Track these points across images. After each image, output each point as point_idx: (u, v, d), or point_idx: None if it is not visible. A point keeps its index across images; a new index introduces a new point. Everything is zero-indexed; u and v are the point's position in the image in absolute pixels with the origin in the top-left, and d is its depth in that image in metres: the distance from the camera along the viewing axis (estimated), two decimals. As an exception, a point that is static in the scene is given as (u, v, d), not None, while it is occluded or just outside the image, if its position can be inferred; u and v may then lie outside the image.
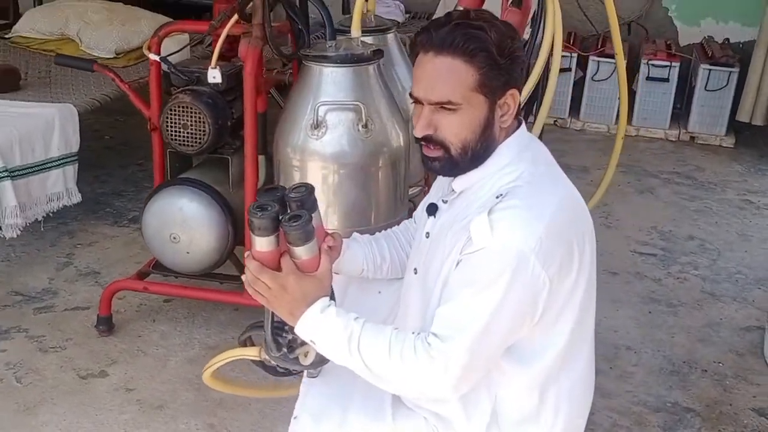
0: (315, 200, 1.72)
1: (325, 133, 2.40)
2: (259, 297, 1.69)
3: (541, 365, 1.72)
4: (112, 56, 4.29)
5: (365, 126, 2.40)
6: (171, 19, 4.48)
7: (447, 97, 1.63)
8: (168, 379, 2.72)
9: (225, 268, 2.95)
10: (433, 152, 1.70)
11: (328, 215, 2.49)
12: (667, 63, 5.37)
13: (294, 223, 1.58)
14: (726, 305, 3.39)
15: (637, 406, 2.70)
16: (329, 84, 2.41)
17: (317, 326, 1.65)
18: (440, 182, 1.92)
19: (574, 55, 5.46)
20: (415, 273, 1.86)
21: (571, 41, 5.49)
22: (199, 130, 2.66)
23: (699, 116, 5.43)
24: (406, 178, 2.60)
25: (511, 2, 2.63)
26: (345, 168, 2.44)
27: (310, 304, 1.64)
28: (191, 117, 2.65)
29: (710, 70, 5.31)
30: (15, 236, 3.09)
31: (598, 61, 5.40)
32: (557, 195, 1.68)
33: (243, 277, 1.71)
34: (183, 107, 2.65)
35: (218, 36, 2.66)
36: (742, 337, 3.16)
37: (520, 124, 1.76)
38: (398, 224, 2.14)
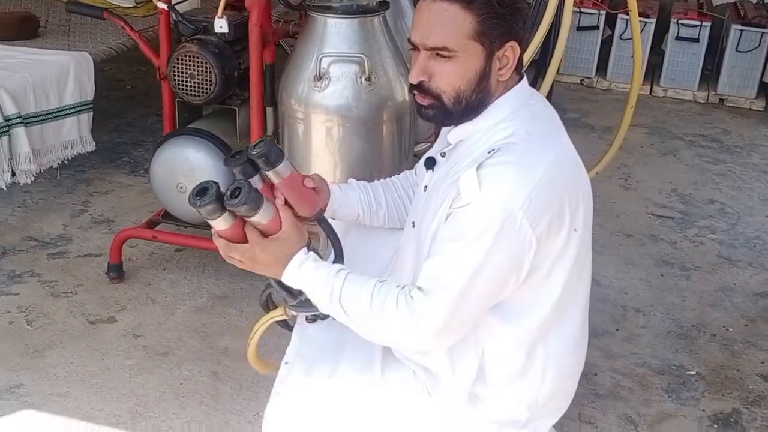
0: (279, 150, 1.69)
1: (327, 85, 2.38)
2: (240, 267, 1.71)
3: (529, 323, 1.71)
4: (132, 5, 4.28)
5: (368, 79, 2.38)
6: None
7: (443, 42, 1.61)
8: (174, 327, 2.76)
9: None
10: (425, 100, 1.69)
11: (333, 167, 2.49)
12: (698, 22, 5.24)
13: (235, 199, 1.56)
14: (741, 270, 3.34)
15: (641, 368, 2.68)
16: (333, 35, 2.39)
17: (298, 282, 1.67)
18: (441, 136, 1.91)
19: (603, 12, 5.36)
20: (413, 226, 1.85)
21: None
22: (206, 80, 2.66)
23: (729, 78, 5.31)
24: (411, 133, 2.58)
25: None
26: (348, 121, 2.43)
27: (286, 264, 1.66)
28: (198, 67, 2.65)
29: (742, 30, 5.18)
30: (29, 182, 3.14)
31: (627, 20, 5.27)
32: (552, 154, 1.65)
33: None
34: (190, 56, 2.65)
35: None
36: (755, 302, 3.11)
37: (521, 78, 1.73)
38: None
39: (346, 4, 2.39)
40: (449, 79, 1.64)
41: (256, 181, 1.68)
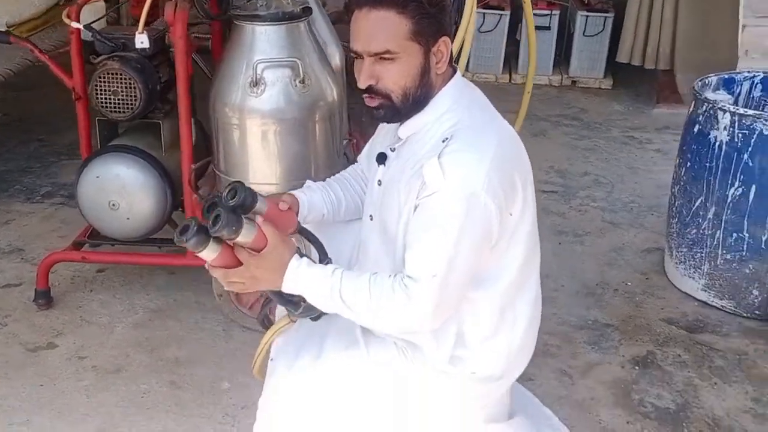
0: (251, 190, 1.81)
1: (264, 90, 2.48)
2: (243, 291, 1.91)
3: (498, 289, 1.91)
4: (3, 29, 4.15)
5: (302, 81, 2.50)
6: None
7: (385, 47, 1.77)
8: (118, 344, 2.77)
9: (161, 233, 2.98)
10: (375, 101, 1.84)
11: (270, 169, 2.59)
12: (548, 11, 5.66)
13: (217, 226, 1.67)
14: (625, 231, 3.70)
15: (563, 326, 2.95)
16: (264, 42, 2.50)
17: (298, 286, 1.79)
18: (385, 132, 2.06)
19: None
20: (371, 219, 2.01)
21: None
22: (131, 96, 2.68)
23: (578, 61, 5.77)
24: (341, 131, 2.72)
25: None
26: (284, 123, 2.54)
27: (283, 273, 1.78)
28: (121, 83, 2.67)
29: (587, 16, 5.64)
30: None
31: (483, 13, 5.61)
32: (496, 135, 1.85)
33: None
34: (112, 74, 2.66)
35: (137, 1, 2.70)
36: (644, 258, 3.47)
37: (454, 71, 1.92)
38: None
39: (273, 12, 2.49)
40: (395, 78, 1.81)
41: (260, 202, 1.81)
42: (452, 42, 1.89)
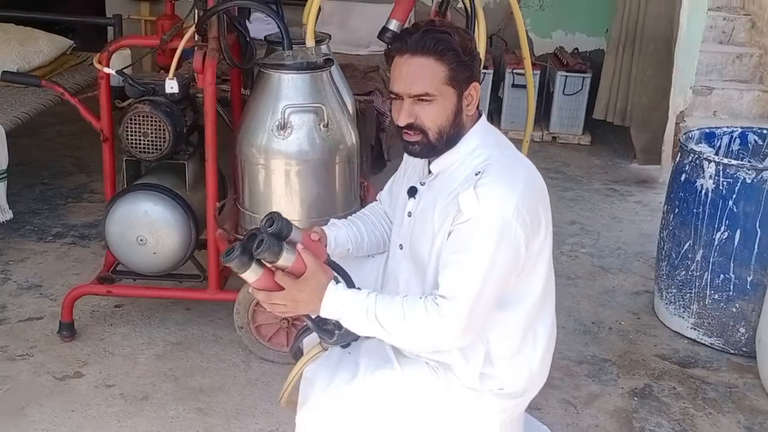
0: (287, 221, 1.99)
1: (290, 133, 2.66)
2: (284, 314, 2.04)
3: (522, 310, 2.08)
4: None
5: (326, 125, 2.68)
6: (67, 39, 4.61)
7: (424, 89, 1.97)
8: (143, 374, 2.87)
9: (182, 269, 3.11)
10: (413, 137, 2.03)
11: (293, 207, 2.75)
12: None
13: (260, 248, 1.85)
14: (614, 275, 3.90)
15: (564, 360, 3.11)
16: (290, 89, 2.69)
17: (336, 311, 1.95)
18: (411, 169, 2.24)
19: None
20: (401, 248, 2.18)
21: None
22: (160, 138, 2.85)
23: (558, 118, 6.03)
24: (358, 172, 2.90)
25: (437, 14, 2.98)
26: (307, 164, 2.72)
27: (322, 296, 1.93)
28: (151, 125, 2.83)
29: (567, 76, 5.92)
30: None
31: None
32: (523, 170, 2.06)
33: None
34: (143, 116, 2.83)
35: (167, 50, 2.90)
36: (634, 300, 3.67)
37: (480, 114, 2.12)
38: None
39: (299, 62, 2.69)
40: (432, 118, 2.01)
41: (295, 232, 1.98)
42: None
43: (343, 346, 2.13)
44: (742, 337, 3.18)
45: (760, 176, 3.01)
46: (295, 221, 2.68)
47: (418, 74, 1.97)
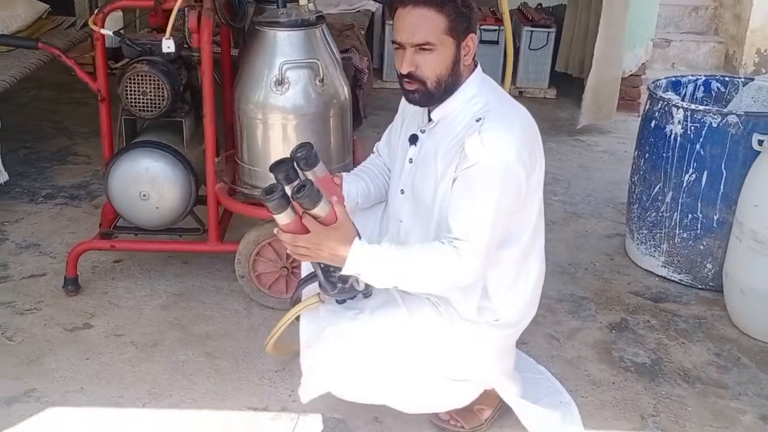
0: (316, 154, 2.13)
1: (288, 89, 2.78)
2: (303, 257, 2.13)
3: (517, 247, 2.26)
4: (-9, 41, 4.33)
5: (322, 80, 2.81)
6: (42, 3, 4.63)
7: (426, 38, 2.12)
8: (150, 323, 3.01)
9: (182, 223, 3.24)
10: (413, 85, 2.18)
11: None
12: (496, 27, 6.07)
13: (301, 193, 1.99)
14: (587, 220, 4.11)
15: (545, 299, 3.23)
16: (286, 46, 2.80)
17: (360, 261, 2.08)
18: (410, 117, 2.39)
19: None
20: (402, 193, 2.33)
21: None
22: (159, 96, 2.95)
23: (525, 73, 6.19)
24: (350, 125, 3.03)
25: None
26: (304, 118, 2.84)
27: (347, 246, 2.07)
28: (150, 84, 2.93)
29: (532, 31, 6.08)
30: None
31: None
32: (518, 114, 2.23)
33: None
34: (142, 75, 2.92)
35: (160, 10, 2.99)
36: (606, 242, 3.88)
37: (476, 64, 2.27)
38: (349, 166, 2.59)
39: (293, 19, 2.80)
40: (432, 67, 2.15)
41: (320, 168, 2.11)
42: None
43: (339, 302, 2.28)
44: (709, 273, 3.41)
45: (725, 120, 3.22)
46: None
47: (420, 24, 2.11)
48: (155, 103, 2.96)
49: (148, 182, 2.98)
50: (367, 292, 2.24)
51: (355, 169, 2.55)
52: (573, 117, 5.77)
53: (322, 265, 2.18)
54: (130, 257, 3.42)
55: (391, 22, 5.91)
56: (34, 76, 4.48)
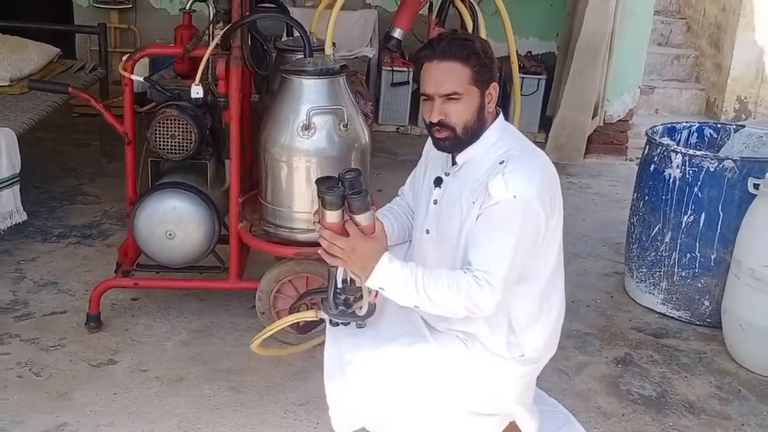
0: (362, 182, 2.26)
1: (314, 133, 2.92)
2: (335, 259, 2.23)
3: (539, 284, 2.39)
4: (6, 84, 4.44)
5: (346, 125, 2.95)
6: (54, 47, 4.77)
7: (453, 89, 2.26)
8: (173, 359, 3.09)
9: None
10: (443, 133, 2.32)
11: (311, 196, 3.00)
12: (405, 69, 6.19)
13: (357, 196, 2.13)
14: (585, 260, 4.26)
15: (552, 335, 3.44)
16: (312, 93, 2.93)
17: (387, 275, 2.20)
18: (433, 162, 2.52)
19: (411, 69, 6.23)
20: (427, 233, 2.46)
21: (407, 58, 6.26)
22: (186, 139, 3.07)
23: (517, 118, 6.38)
24: (369, 169, 3.16)
25: (437, 23, 3.29)
26: (328, 161, 2.96)
27: (378, 258, 2.19)
28: (179, 128, 3.06)
29: (523, 78, 6.26)
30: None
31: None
32: (539, 158, 2.37)
33: (319, 249, 2.23)
34: (171, 120, 3.05)
35: (186, 58, 3.13)
36: (605, 281, 4.03)
37: (498, 112, 2.42)
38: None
39: (319, 68, 2.94)
40: (460, 114, 2.30)
41: None
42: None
43: (333, 323, 2.39)
44: (707, 310, 3.56)
45: (721, 165, 3.40)
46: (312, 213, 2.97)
47: (447, 76, 2.26)
48: (183, 146, 3.08)
49: (174, 221, 3.08)
50: (362, 323, 2.36)
51: (380, 209, 2.67)
52: (563, 161, 5.95)
53: (341, 282, 2.29)
54: (147, 295, 3.51)
55: (388, 68, 6.22)
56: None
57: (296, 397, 2.88)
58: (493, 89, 2.33)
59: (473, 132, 2.32)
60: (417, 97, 6.25)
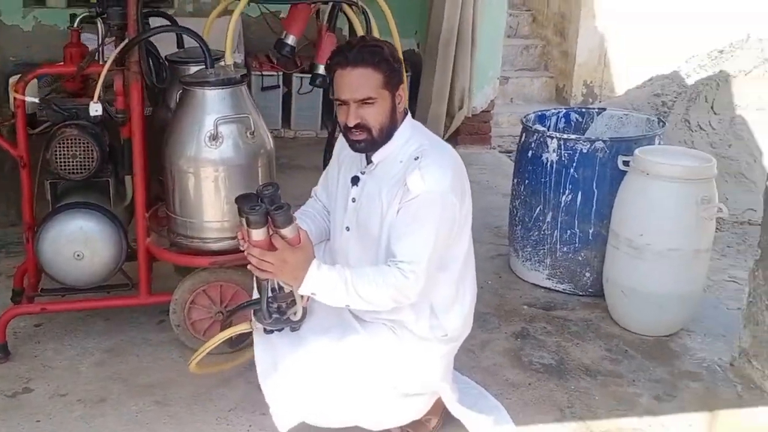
0: (280, 196, 2.37)
1: (221, 143, 2.97)
2: (266, 273, 2.34)
3: (454, 270, 2.58)
4: None
5: (252, 133, 3.02)
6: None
7: (367, 94, 2.42)
8: (91, 380, 3.07)
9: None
10: (360, 136, 2.47)
11: (221, 208, 3.07)
12: (274, 73, 6.34)
13: (280, 211, 2.25)
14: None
15: (454, 317, 3.65)
16: (217, 103, 2.99)
17: (318, 281, 2.33)
18: (348, 162, 2.65)
19: (280, 73, 6.32)
20: (348, 230, 2.60)
21: (275, 62, 6.33)
22: (89, 158, 3.06)
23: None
24: (274, 173, 3.24)
25: (327, 28, 3.41)
26: (236, 169, 3.03)
27: (307, 267, 2.32)
28: (80, 147, 3.04)
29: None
30: None
31: (301, 77, 6.29)
32: (449, 152, 2.56)
33: (249, 265, 2.34)
34: (72, 139, 3.03)
35: (77, 76, 3.12)
36: (492, 263, 4.29)
37: (407, 111, 2.58)
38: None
39: (222, 78, 2.99)
40: (375, 117, 2.45)
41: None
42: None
43: (267, 331, 2.51)
44: (588, 281, 3.88)
45: (593, 146, 3.71)
46: (224, 221, 3.05)
47: (361, 82, 2.40)
48: (85, 165, 3.06)
49: (82, 241, 3.06)
50: (297, 326, 2.49)
51: (296, 212, 2.77)
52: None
53: (271, 291, 2.40)
54: (49, 320, 3.45)
55: (257, 72, 6.25)
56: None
57: (224, 404, 2.94)
58: (402, 90, 2.49)
59: (387, 132, 2.47)
60: (288, 100, 6.41)
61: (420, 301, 2.49)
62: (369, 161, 2.56)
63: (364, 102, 2.41)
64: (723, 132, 5.60)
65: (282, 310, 2.44)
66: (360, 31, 3.34)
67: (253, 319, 2.51)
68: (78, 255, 3.07)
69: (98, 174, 3.15)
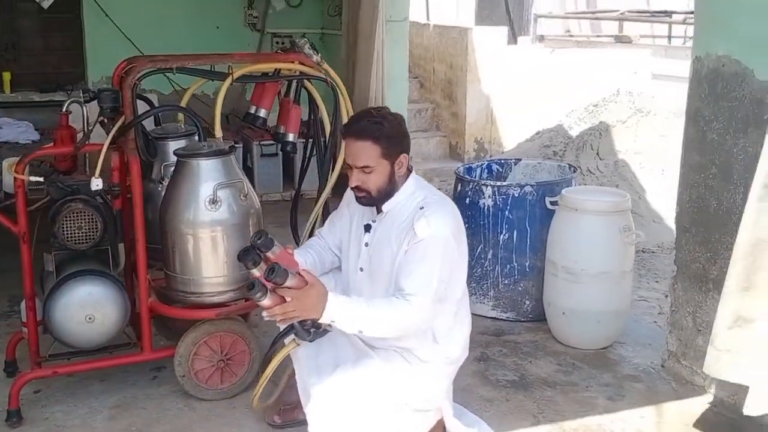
0: (272, 239, 2.74)
1: (220, 206, 3.31)
2: (293, 319, 2.71)
3: (453, 301, 2.99)
4: None
5: (245, 195, 3.38)
6: None
7: (366, 163, 2.85)
8: (110, 434, 3.28)
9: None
10: (361, 194, 2.89)
11: (218, 265, 3.38)
12: (272, 142, 6.80)
13: (273, 276, 2.59)
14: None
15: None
16: (212, 171, 3.33)
17: (336, 311, 2.70)
18: (359, 213, 3.04)
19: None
20: (361, 271, 2.99)
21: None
22: (93, 229, 3.32)
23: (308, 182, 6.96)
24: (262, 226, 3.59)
25: (293, 101, 3.83)
26: (232, 228, 3.37)
27: (324, 300, 2.69)
28: (85, 219, 3.29)
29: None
30: None
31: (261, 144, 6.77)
32: (449, 203, 3.00)
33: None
34: (77, 212, 3.28)
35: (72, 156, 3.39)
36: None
37: (410, 169, 3.00)
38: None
39: (215, 149, 3.35)
40: (374, 182, 2.88)
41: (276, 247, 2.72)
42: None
43: (310, 339, 2.84)
44: (529, 307, 4.40)
45: (523, 190, 4.28)
46: (222, 276, 3.37)
47: (360, 153, 2.83)
48: (89, 235, 3.32)
49: (92, 305, 3.29)
50: (330, 329, 2.81)
51: (301, 246, 3.15)
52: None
53: (300, 322, 2.74)
54: (47, 386, 3.61)
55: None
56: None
57: (243, 441, 3.22)
58: (404, 158, 2.89)
59: (386, 193, 2.90)
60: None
61: (424, 330, 2.90)
62: (379, 210, 2.96)
63: (363, 169, 2.83)
64: (609, 174, 6.35)
65: (317, 325, 2.75)
66: (321, 107, 3.77)
67: (295, 338, 2.83)
68: (89, 318, 3.29)
69: (98, 243, 3.40)
